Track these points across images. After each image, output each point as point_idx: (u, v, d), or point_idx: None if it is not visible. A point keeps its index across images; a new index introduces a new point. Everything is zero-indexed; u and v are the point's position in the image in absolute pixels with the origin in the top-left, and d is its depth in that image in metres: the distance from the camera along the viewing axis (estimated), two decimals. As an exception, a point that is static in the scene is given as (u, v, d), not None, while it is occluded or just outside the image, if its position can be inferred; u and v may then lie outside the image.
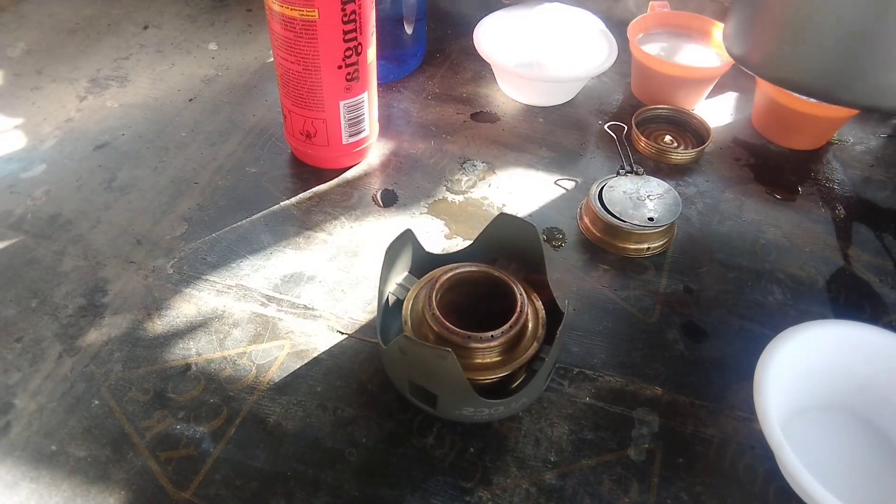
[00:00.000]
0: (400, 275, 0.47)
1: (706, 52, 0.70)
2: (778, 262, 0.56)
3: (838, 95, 0.40)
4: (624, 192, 0.57)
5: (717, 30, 0.70)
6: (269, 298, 0.51)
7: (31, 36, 0.76)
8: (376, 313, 0.45)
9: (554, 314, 0.45)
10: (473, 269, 0.45)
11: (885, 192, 0.64)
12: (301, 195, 0.59)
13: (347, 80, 0.54)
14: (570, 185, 0.61)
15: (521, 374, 0.44)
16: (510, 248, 0.47)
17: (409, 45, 0.71)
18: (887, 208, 0.62)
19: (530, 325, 0.44)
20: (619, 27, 0.72)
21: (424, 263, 0.48)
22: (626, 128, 0.66)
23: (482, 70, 0.74)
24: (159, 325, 0.48)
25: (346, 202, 0.59)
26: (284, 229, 0.56)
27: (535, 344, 0.43)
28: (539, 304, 0.45)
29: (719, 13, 0.75)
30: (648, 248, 0.55)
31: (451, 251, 0.51)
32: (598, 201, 0.56)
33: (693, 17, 0.72)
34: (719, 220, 0.59)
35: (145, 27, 0.79)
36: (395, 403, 0.45)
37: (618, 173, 0.60)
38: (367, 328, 0.49)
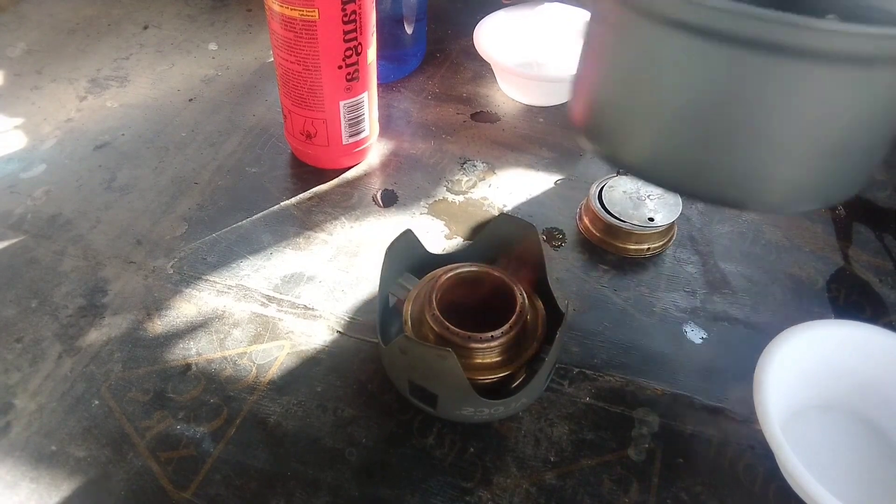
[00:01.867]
0: (400, 275, 0.47)
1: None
2: (778, 262, 0.56)
3: (684, 187, 0.29)
4: (624, 192, 0.57)
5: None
6: (269, 298, 0.51)
7: (31, 36, 0.76)
8: (376, 313, 0.45)
9: (554, 314, 0.45)
10: (474, 269, 0.45)
11: (885, 192, 0.64)
12: (301, 195, 0.59)
13: (347, 80, 0.54)
14: (570, 185, 0.61)
15: (522, 375, 0.44)
16: (510, 248, 0.47)
17: (409, 45, 0.71)
18: (887, 208, 0.62)
19: (530, 325, 0.44)
20: (619, 27, 0.71)
21: (425, 263, 0.48)
22: (625, 128, 0.66)
23: (482, 70, 0.74)
24: (159, 325, 0.48)
25: (346, 202, 0.59)
26: (284, 229, 0.56)
27: (535, 344, 0.43)
28: (539, 303, 0.45)
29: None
30: (648, 248, 0.55)
31: (451, 251, 0.51)
32: (598, 201, 0.56)
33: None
34: (719, 220, 0.59)
35: (145, 27, 0.79)
36: (395, 403, 0.45)
37: (618, 173, 0.60)
38: (367, 328, 0.49)
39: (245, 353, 0.47)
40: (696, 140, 0.23)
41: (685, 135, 0.23)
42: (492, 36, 0.70)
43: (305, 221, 0.57)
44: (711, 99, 0.22)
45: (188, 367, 0.46)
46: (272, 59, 0.66)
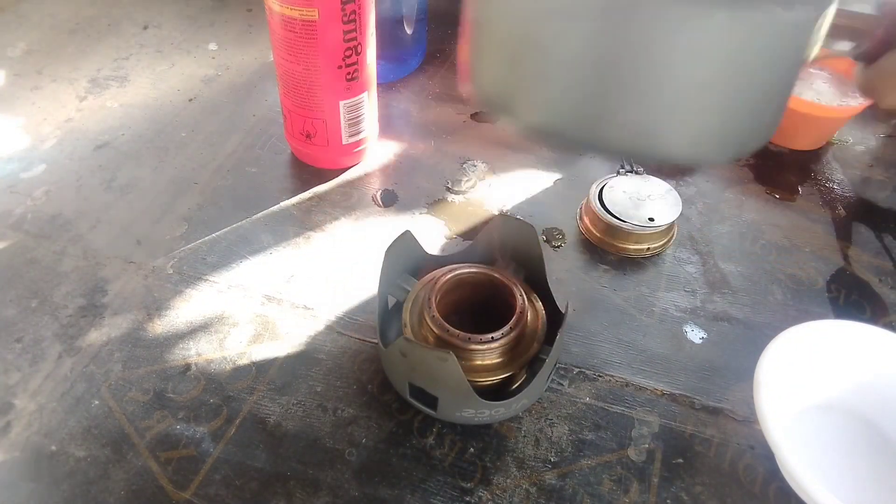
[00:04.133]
0: (400, 276, 0.47)
1: (706, 51, 0.70)
2: (778, 262, 0.56)
3: (566, 133, 0.28)
4: (624, 192, 0.57)
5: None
6: (269, 298, 0.51)
7: (31, 36, 0.76)
8: (376, 315, 0.45)
9: (554, 314, 0.45)
10: (473, 270, 0.45)
11: (885, 192, 0.64)
12: (301, 195, 0.59)
13: (347, 80, 0.54)
14: (568, 185, 0.61)
15: (522, 376, 0.44)
16: (510, 248, 0.47)
17: (409, 45, 0.71)
18: (887, 208, 0.62)
19: (530, 326, 0.44)
20: (619, 27, 0.71)
21: (424, 264, 0.48)
22: (626, 128, 0.66)
23: (482, 70, 0.74)
24: (159, 325, 0.48)
25: (346, 202, 0.59)
26: (284, 229, 0.56)
27: (536, 345, 0.43)
28: (539, 304, 0.45)
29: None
30: (648, 248, 0.55)
31: (451, 252, 0.51)
32: (598, 201, 0.56)
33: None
34: (719, 220, 0.59)
35: (145, 27, 0.79)
36: (395, 404, 0.45)
37: (618, 173, 0.60)
38: (367, 329, 0.49)
39: (245, 352, 0.47)
40: (594, 93, 0.22)
41: (582, 89, 0.22)
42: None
43: (305, 221, 0.57)
44: (603, 46, 0.21)
45: (188, 367, 0.46)
46: (272, 59, 0.66)
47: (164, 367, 0.46)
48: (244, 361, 0.47)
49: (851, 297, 0.54)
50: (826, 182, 0.64)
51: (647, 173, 0.60)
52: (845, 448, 0.43)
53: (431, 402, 0.42)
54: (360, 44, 0.53)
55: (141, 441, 0.42)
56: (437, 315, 0.42)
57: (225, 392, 0.45)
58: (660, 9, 0.20)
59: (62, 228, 0.55)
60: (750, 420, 0.45)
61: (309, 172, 0.61)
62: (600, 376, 0.47)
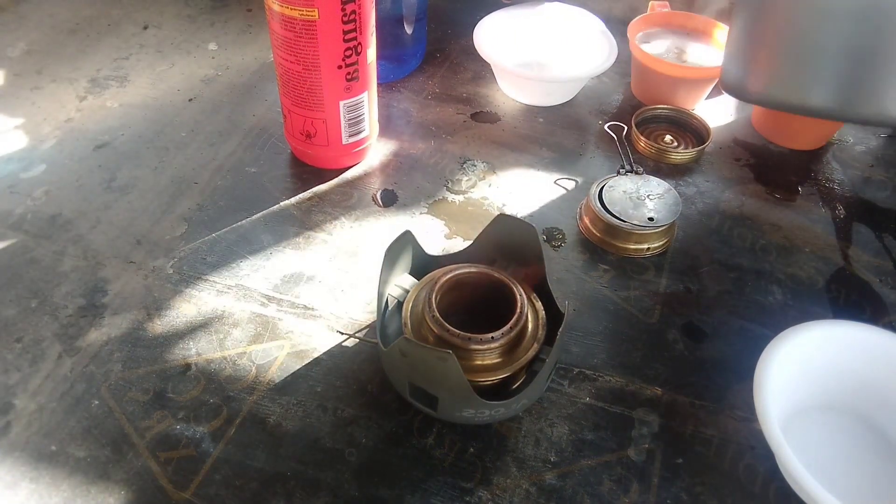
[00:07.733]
0: (399, 276, 0.47)
1: (706, 51, 0.70)
2: (778, 262, 0.56)
3: (848, 113, 0.40)
4: (624, 192, 0.57)
5: (718, 30, 0.70)
6: (269, 298, 0.51)
7: (31, 36, 0.76)
8: (376, 314, 0.45)
9: (554, 315, 0.45)
10: (473, 270, 0.45)
11: (885, 192, 0.64)
12: (301, 195, 0.59)
13: (347, 80, 0.54)
14: (570, 184, 0.61)
15: (522, 376, 0.44)
16: (510, 248, 0.47)
17: (409, 45, 0.71)
18: (887, 208, 0.62)
19: (530, 326, 0.44)
20: (619, 27, 0.72)
21: (424, 265, 0.48)
22: (626, 128, 0.66)
23: (482, 70, 0.74)
24: (159, 325, 0.48)
25: (346, 202, 0.59)
26: (284, 229, 0.56)
27: (536, 345, 0.43)
28: (539, 304, 0.45)
29: (719, 13, 0.75)
30: (648, 248, 0.55)
31: (451, 252, 0.51)
32: (598, 201, 0.56)
33: (693, 17, 0.72)
34: (719, 220, 0.59)
35: (145, 27, 0.79)
36: (395, 404, 0.45)
37: (618, 173, 0.60)
38: (367, 329, 0.49)
39: (245, 353, 0.47)
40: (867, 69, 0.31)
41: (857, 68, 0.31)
42: (492, 36, 0.70)
43: (305, 221, 0.57)
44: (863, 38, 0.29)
45: (188, 367, 0.46)
46: (272, 59, 0.66)
47: (164, 367, 0.46)
48: (244, 361, 0.47)
49: (851, 297, 0.54)
50: (826, 182, 0.64)
51: (647, 173, 0.60)
52: (845, 448, 0.43)
53: (431, 402, 0.42)
54: (360, 44, 0.53)
55: (141, 441, 0.42)
56: (437, 315, 0.42)
57: (225, 392, 0.45)
58: None
59: (62, 228, 0.55)
60: (750, 420, 0.45)
61: (309, 172, 0.61)
62: (600, 376, 0.47)
